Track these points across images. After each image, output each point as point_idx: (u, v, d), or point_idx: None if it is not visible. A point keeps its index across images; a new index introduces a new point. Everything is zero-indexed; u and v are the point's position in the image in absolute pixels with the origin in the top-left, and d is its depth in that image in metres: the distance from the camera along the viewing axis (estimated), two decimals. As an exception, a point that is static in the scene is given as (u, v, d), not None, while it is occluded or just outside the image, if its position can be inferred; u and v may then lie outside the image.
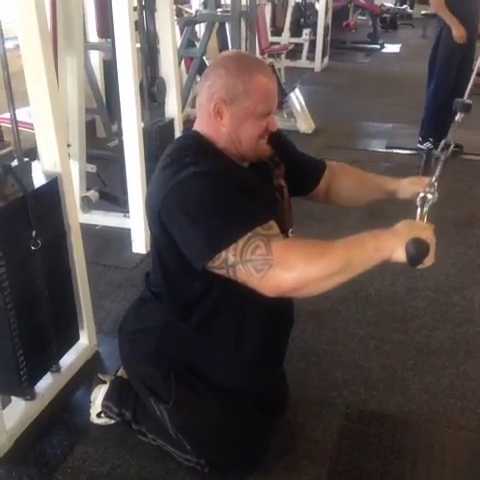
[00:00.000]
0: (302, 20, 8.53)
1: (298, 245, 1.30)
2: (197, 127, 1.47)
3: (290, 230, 1.59)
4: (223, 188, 1.31)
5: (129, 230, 2.96)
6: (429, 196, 1.38)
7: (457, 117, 1.56)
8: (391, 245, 1.24)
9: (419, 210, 1.37)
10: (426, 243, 1.21)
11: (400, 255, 1.23)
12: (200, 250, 1.29)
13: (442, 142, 1.55)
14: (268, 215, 1.32)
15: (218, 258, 1.26)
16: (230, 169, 1.41)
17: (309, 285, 1.26)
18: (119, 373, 1.83)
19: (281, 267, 1.23)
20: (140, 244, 2.92)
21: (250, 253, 1.24)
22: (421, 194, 1.39)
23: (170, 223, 1.35)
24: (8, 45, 1.69)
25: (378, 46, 9.59)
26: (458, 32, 4.03)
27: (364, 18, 10.92)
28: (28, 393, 1.83)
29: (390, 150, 4.60)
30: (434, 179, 1.46)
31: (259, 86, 1.38)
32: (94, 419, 1.80)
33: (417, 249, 1.20)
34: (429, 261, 1.25)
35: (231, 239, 1.25)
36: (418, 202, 1.39)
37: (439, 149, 1.55)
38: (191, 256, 1.33)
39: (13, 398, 1.84)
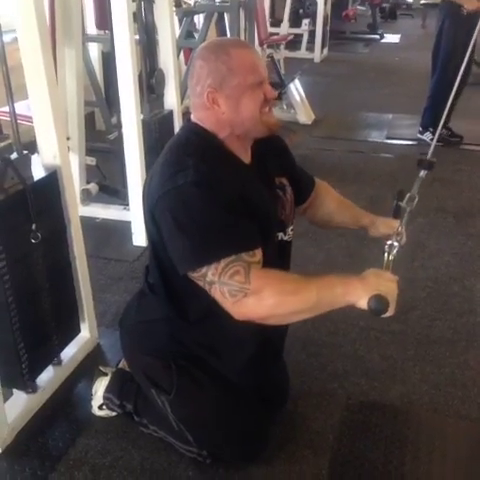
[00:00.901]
0: (301, 10, 8.46)
1: (275, 279, 1.34)
2: (197, 120, 1.46)
3: (290, 228, 1.59)
4: (218, 202, 1.32)
5: (129, 223, 2.96)
6: (395, 244, 1.47)
7: (421, 174, 1.61)
8: (358, 294, 1.31)
9: (386, 257, 1.46)
10: (386, 300, 1.29)
11: (364, 304, 1.30)
12: (184, 259, 1.34)
13: (407, 195, 1.61)
14: (255, 241, 1.35)
15: (198, 271, 1.31)
16: (230, 169, 1.40)
17: (276, 318, 1.36)
18: (120, 365, 1.83)
19: (254, 298, 1.29)
20: (140, 237, 2.91)
21: (228, 277, 1.29)
22: (388, 242, 1.48)
23: (161, 224, 1.37)
24: (6, 38, 1.68)
25: (378, 36, 9.53)
26: (471, 5, 3.85)
27: (363, 8, 10.85)
28: (30, 386, 1.83)
29: (390, 141, 4.59)
30: (401, 228, 1.54)
31: (240, 59, 1.38)
32: (96, 411, 1.81)
33: (378, 305, 1.29)
34: (389, 312, 1.32)
35: (215, 258, 1.29)
36: (385, 249, 1.47)
37: (404, 201, 1.61)
38: (175, 261, 1.37)
39: (15, 391, 1.84)
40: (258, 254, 1.34)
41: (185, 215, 1.32)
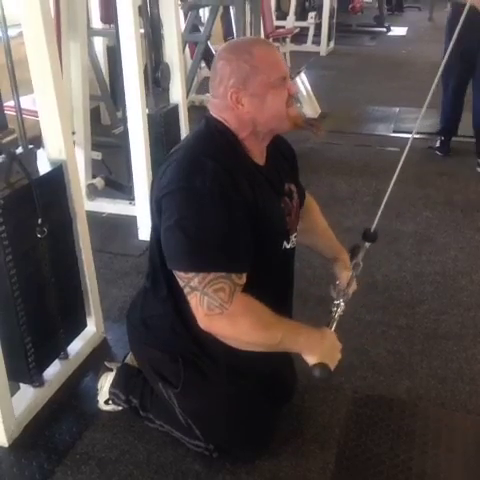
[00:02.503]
0: (307, 3, 8.44)
1: (254, 311, 1.37)
2: (220, 118, 1.44)
3: (294, 234, 1.59)
4: (226, 215, 1.32)
5: (135, 217, 2.96)
6: (342, 303, 1.56)
7: (366, 244, 1.64)
8: (312, 351, 1.44)
9: (332, 314, 1.55)
10: (329, 371, 1.44)
11: (311, 361, 1.45)
12: (177, 258, 1.36)
13: (353, 262, 1.65)
14: (247, 265, 1.37)
15: (185, 274, 1.33)
16: (246, 174, 1.40)
17: (236, 343, 1.40)
18: (127, 360, 1.83)
19: (229, 320, 1.34)
20: (146, 231, 2.90)
21: (213, 291, 1.31)
22: (335, 301, 1.57)
23: (164, 216, 1.37)
24: (11, 33, 1.68)
25: (384, 29, 9.47)
26: None
27: (370, 1, 10.76)
28: (36, 380, 1.84)
29: (397, 134, 4.56)
30: (346, 289, 1.60)
31: (262, 57, 1.38)
32: (102, 406, 1.81)
33: (321, 374, 1.44)
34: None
35: (207, 269, 1.31)
36: (332, 307, 1.56)
37: (351, 265, 1.65)
38: (167, 255, 1.38)
39: (22, 385, 1.85)
40: (244, 278, 1.37)
41: (191, 218, 1.32)
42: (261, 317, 1.38)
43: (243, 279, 1.37)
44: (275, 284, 1.56)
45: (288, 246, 1.57)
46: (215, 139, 1.42)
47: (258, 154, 1.48)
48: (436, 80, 1.53)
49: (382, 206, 1.58)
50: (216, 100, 1.44)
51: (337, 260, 1.74)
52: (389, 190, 1.58)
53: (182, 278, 1.35)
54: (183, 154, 1.41)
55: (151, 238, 1.56)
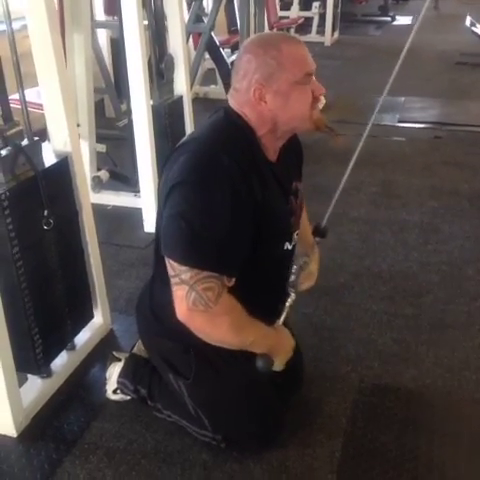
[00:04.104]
0: (311, -7, 8.38)
1: (235, 314, 1.40)
2: (238, 110, 1.42)
3: (296, 232, 1.58)
4: (233, 218, 1.31)
5: (140, 209, 2.96)
6: (293, 295, 1.58)
7: (317, 239, 1.66)
8: (274, 354, 1.51)
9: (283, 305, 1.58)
10: (272, 363, 1.50)
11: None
12: (173, 248, 1.35)
13: (302, 260, 1.63)
14: (238, 269, 1.38)
15: (179, 265, 1.33)
16: (259, 171, 1.39)
17: (208, 339, 1.43)
18: (134, 350, 1.84)
19: (209, 318, 1.36)
20: (151, 223, 2.90)
21: (202, 288, 1.32)
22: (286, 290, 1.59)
23: (169, 203, 1.36)
24: (15, 26, 1.68)
25: (389, 18, 9.42)
26: None
27: (374, -10, 10.72)
28: (44, 371, 1.85)
29: (402, 124, 4.55)
30: (295, 280, 1.60)
31: (290, 54, 1.35)
32: (110, 395, 1.82)
33: (265, 365, 1.49)
34: (279, 367, 1.56)
35: (201, 266, 1.32)
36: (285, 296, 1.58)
37: (295, 269, 1.61)
38: (165, 242, 1.38)
39: (29, 376, 1.86)
40: (233, 281, 1.38)
41: (198, 212, 1.31)
42: (239, 321, 1.41)
43: (232, 282, 1.38)
44: (274, 281, 1.57)
45: (290, 246, 1.56)
46: (232, 133, 1.39)
47: (272, 151, 1.46)
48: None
49: (334, 200, 1.60)
50: (238, 93, 1.40)
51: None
52: (345, 177, 1.62)
53: (174, 268, 1.34)
54: (198, 145, 1.38)
55: (157, 227, 1.56)
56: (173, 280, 1.35)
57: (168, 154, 1.46)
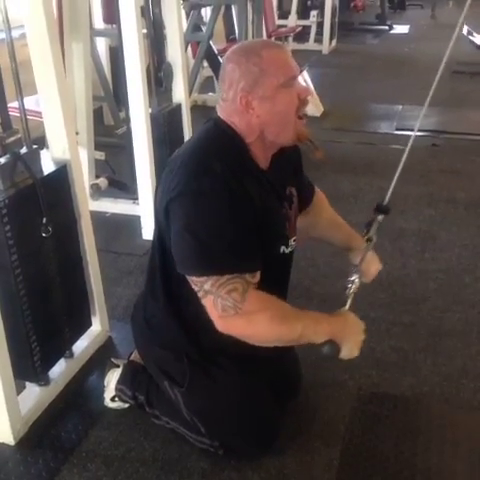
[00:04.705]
0: (309, 2, 8.42)
1: (269, 306, 1.38)
2: (229, 122, 1.43)
3: (293, 238, 1.59)
4: (235, 217, 1.32)
5: (139, 217, 2.97)
6: (356, 280, 1.56)
7: (379, 217, 1.63)
8: (335, 339, 1.44)
9: (347, 292, 1.56)
10: (336, 348, 1.45)
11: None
12: (188, 263, 1.36)
13: (365, 237, 1.64)
14: (258, 263, 1.38)
15: (198, 278, 1.33)
16: (251, 177, 1.40)
17: (257, 341, 1.40)
18: (132, 357, 1.84)
19: (244, 319, 1.34)
20: (150, 231, 2.89)
21: (226, 292, 1.31)
22: (349, 278, 1.57)
23: (173, 220, 1.37)
24: (15, 34, 1.69)
25: (386, 27, 9.47)
26: None
27: (372, -1, 10.79)
28: (42, 379, 1.85)
29: (400, 132, 4.56)
30: (360, 265, 1.59)
31: (271, 59, 1.37)
32: (108, 403, 1.82)
33: (328, 352, 1.45)
34: (352, 355, 1.50)
35: (219, 272, 1.32)
36: (347, 284, 1.57)
37: (364, 239, 1.64)
38: (177, 260, 1.38)
39: (27, 384, 1.86)
40: (258, 276, 1.37)
41: (200, 221, 1.32)
42: (278, 312, 1.38)
43: (256, 277, 1.37)
44: (270, 287, 1.56)
45: (287, 251, 1.56)
46: (222, 142, 1.41)
47: (263, 159, 1.47)
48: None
49: (395, 179, 1.58)
50: (225, 103, 1.42)
51: (351, 249, 1.72)
52: (400, 167, 1.58)
53: (195, 282, 1.35)
54: (190, 156, 1.40)
55: (153, 237, 1.57)
56: (199, 294, 1.35)
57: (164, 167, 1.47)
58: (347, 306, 1.54)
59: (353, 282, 1.56)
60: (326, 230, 1.81)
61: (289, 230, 1.56)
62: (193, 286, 1.36)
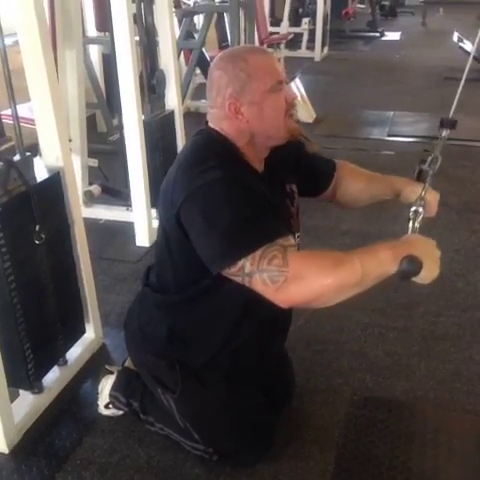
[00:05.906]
0: (301, 9, 8.48)
1: (313, 257, 1.29)
2: (216, 126, 1.44)
3: (297, 234, 1.59)
4: (246, 196, 1.31)
5: (132, 224, 2.96)
6: (420, 210, 1.46)
7: (444, 133, 1.56)
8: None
9: (411, 224, 1.45)
10: (419, 263, 1.25)
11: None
12: (220, 256, 1.29)
13: (429, 158, 1.56)
14: (285, 228, 1.33)
15: (235, 266, 1.27)
16: (248, 175, 1.40)
17: (321, 298, 1.27)
18: (126, 364, 1.84)
19: (296, 280, 1.24)
20: (143, 237, 2.92)
21: (267, 263, 1.24)
22: (413, 208, 1.47)
23: (189, 224, 1.34)
24: (8, 41, 1.69)
25: (378, 34, 9.53)
26: None
27: (363, 6, 10.86)
28: (36, 386, 1.84)
29: (392, 138, 4.59)
30: (424, 193, 1.50)
31: (257, 64, 1.38)
32: (102, 410, 1.82)
33: (412, 266, 1.25)
34: (432, 276, 1.33)
35: (251, 249, 1.25)
36: (410, 216, 1.46)
37: (427, 164, 1.55)
38: (208, 260, 1.33)
39: (21, 392, 1.85)
40: (291, 239, 1.31)
41: (215, 212, 1.30)
42: (323, 261, 1.27)
43: (290, 240, 1.30)
44: None
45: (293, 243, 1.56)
46: (215, 146, 1.42)
47: (256, 162, 1.48)
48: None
49: (460, 89, 1.58)
50: (214, 110, 1.43)
51: (400, 192, 1.63)
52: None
53: (235, 273, 1.28)
54: (188, 161, 1.40)
55: (159, 242, 1.55)
56: (246, 282, 1.28)
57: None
58: (409, 232, 1.43)
59: (417, 212, 1.46)
60: (368, 190, 1.74)
61: (294, 226, 1.57)
62: (236, 279, 1.29)
